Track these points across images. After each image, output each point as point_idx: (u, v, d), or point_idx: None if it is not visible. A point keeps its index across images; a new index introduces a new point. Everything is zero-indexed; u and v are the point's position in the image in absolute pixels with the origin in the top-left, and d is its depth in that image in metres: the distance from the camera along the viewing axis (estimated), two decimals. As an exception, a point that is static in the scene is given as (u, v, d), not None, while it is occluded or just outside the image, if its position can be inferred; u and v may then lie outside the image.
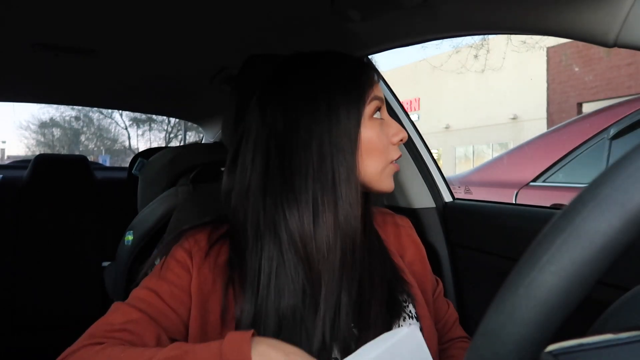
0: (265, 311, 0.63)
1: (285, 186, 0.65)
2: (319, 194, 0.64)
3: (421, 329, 0.70)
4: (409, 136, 1.30)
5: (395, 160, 0.71)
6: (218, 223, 0.73)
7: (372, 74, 0.71)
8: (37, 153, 6.31)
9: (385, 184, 0.71)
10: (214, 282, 0.67)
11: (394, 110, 1.29)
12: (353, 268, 0.67)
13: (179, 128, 20.05)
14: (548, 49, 11.82)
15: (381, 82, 1.28)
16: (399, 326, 0.68)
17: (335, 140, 0.64)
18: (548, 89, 12.30)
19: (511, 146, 8.09)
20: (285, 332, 0.62)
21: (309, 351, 0.59)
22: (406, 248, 0.81)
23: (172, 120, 17.59)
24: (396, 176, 1.31)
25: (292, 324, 0.63)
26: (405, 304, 0.71)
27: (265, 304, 0.63)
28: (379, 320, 0.66)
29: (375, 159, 0.68)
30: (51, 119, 23.66)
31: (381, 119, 0.70)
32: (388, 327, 0.67)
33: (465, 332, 0.85)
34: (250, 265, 0.65)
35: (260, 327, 0.62)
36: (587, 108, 10.71)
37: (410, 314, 0.71)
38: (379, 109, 0.70)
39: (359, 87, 0.67)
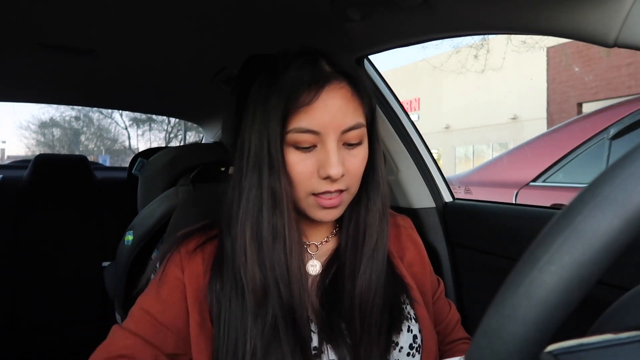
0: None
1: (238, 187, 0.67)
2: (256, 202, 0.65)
3: (420, 331, 0.70)
4: (410, 136, 1.30)
5: (325, 195, 0.64)
6: (212, 227, 0.73)
7: (307, 103, 0.61)
8: (37, 153, 6.31)
9: (312, 214, 0.66)
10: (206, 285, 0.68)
11: (394, 110, 1.29)
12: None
13: (179, 128, 20.07)
14: (548, 49, 11.81)
15: (381, 82, 1.30)
16: (400, 329, 0.68)
17: (260, 152, 0.64)
18: (548, 89, 12.29)
19: (511, 146, 8.09)
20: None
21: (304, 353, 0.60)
22: (406, 249, 0.80)
23: (172, 120, 17.60)
24: (396, 176, 1.32)
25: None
26: (404, 305, 0.71)
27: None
28: (383, 322, 0.67)
29: (296, 186, 0.64)
30: (51, 119, 23.72)
31: (308, 148, 0.63)
32: (389, 330, 0.67)
33: (467, 334, 0.85)
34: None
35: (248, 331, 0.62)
36: (587, 108, 10.70)
37: (409, 316, 0.71)
38: (301, 142, 0.63)
39: (282, 111, 0.62)
